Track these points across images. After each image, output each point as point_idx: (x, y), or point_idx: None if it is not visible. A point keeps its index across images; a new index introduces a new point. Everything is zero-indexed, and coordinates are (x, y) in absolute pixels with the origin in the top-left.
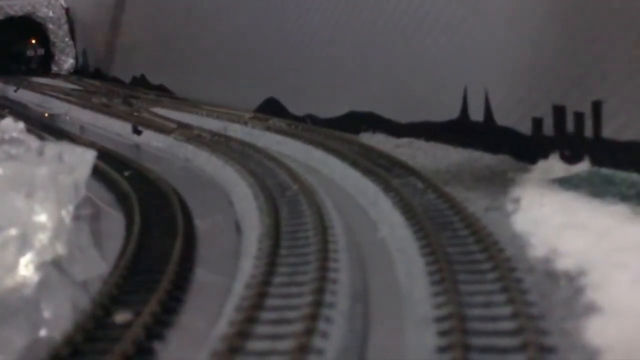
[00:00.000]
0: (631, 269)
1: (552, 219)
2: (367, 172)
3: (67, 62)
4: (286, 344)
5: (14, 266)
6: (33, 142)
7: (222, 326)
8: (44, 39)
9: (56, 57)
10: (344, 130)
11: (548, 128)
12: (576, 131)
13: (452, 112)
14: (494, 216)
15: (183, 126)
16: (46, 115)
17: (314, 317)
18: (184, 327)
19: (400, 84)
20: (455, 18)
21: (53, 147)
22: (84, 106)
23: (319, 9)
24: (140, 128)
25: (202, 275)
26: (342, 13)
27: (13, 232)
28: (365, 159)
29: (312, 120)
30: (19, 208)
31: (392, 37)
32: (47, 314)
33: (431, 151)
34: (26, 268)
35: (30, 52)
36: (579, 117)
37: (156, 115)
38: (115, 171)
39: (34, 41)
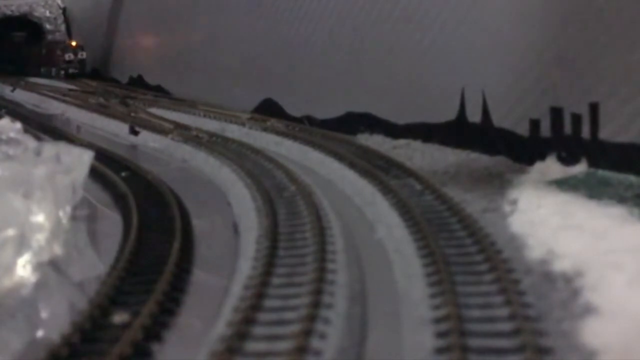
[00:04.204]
0: (627, 270)
1: (549, 221)
2: (364, 173)
3: None
4: (284, 345)
5: (11, 267)
6: (30, 142)
7: (221, 327)
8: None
9: None
10: (342, 131)
11: (545, 130)
12: (573, 133)
13: (449, 114)
14: (491, 217)
15: (180, 127)
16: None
17: (312, 318)
18: (182, 328)
19: (397, 86)
20: (453, 20)
21: (50, 148)
22: (81, 106)
23: (317, 11)
24: (137, 128)
25: (200, 276)
26: (339, 15)
27: (11, 232)
28: (363, 160)
29: (309, 121)
30: (17, 208)
31: (389, 39)
32: (44, 314)
33: (428, 152)
34: (24, 268)
35: (69, 56)
36: (576, 118)
37: (153, 115)
38: (113, 172)
39: (74, 43)
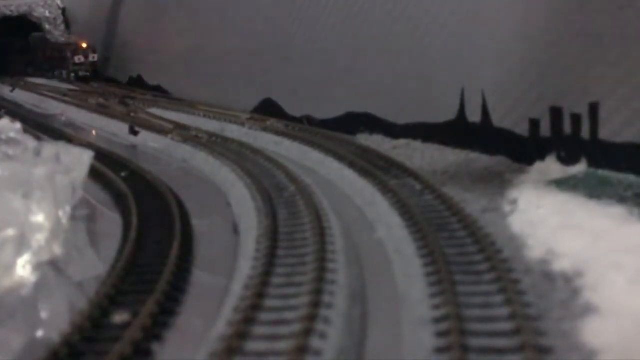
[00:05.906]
0: (627, 270)
1: (549, 220)
2: (364, 173)
3: None
4: (285, 345)
5: (11, 266)
6: (30, 142)
7: (221, 327)
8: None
9: None
10: (341, 131)
11: (545, 129)
12: (573, 133)
13: (449, 114)
14: (491, 217)
15: (180, 127)
16: None
17: (312, 318)
18: (182, 328)
19: (397, 86)
20: (453, 20)
21: (50, 148)
22: (80, 106)
23: (317, 11)
24: (137, 129)
25: (200, 276)
26: (339, 16)
27: (10, 232)
28: (363, 160)
29: (309, 121)
30: (17, 208)
31: (389, 39)
32: (44, 314)
33: (428, 152)
34: (24, 268)
35: (79, 58)
36: (575, 118)
37: (153, 115)
38: (112, 172)
39: (84, 45)
